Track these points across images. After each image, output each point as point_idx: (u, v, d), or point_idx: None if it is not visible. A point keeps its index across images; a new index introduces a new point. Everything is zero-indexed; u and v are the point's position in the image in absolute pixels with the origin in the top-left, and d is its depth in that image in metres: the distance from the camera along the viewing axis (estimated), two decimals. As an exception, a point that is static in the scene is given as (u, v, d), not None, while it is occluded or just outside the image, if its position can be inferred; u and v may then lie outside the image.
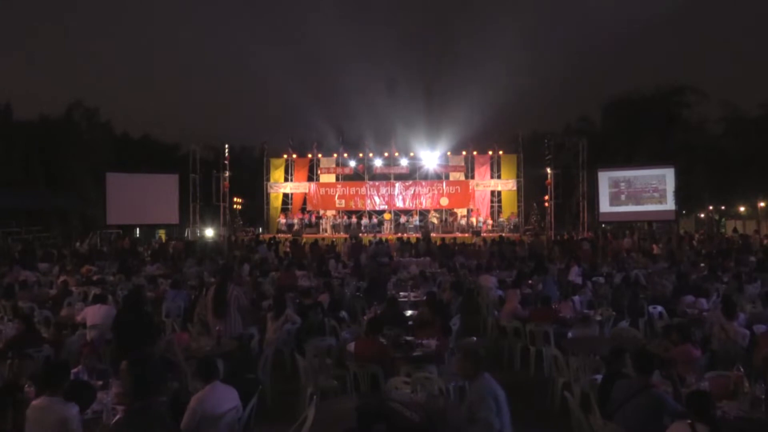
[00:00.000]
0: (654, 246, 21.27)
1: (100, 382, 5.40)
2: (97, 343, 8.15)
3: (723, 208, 34.21)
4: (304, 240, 24.76)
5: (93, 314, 8.72)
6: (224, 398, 4.97)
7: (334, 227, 28.18)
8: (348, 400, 5.86)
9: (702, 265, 15.06)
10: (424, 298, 9.49)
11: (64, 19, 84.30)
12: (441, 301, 9.98)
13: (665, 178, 26.10)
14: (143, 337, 6.65)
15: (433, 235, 25.39)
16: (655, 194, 26.24)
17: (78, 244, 25.99)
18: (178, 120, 76.54)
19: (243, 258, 18.28)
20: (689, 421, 4.09)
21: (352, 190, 29.76)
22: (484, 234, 25.95)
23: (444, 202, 29.13)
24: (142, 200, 26.30)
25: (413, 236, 25.13)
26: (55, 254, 20.55)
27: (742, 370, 5.42)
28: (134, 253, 21.51)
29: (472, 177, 29.33)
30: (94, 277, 14.19)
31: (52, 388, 4.63)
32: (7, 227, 29.29)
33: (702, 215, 35.77)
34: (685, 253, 18.81)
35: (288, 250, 22.48)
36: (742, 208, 32.59)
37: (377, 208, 29.56)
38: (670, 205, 26.00)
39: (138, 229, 30.63)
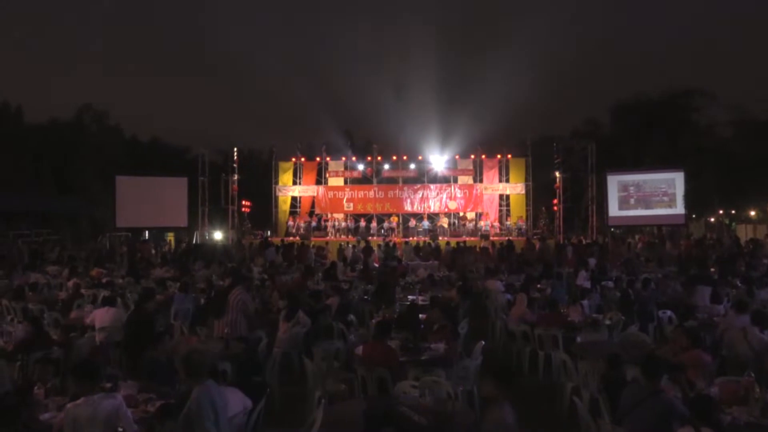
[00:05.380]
0: (667, 243, 21.09)
1: (109, 385, 5.42)
2: (105, 345, 8.20)
3: (733, 212, 34.05)
4: (313, 243, 24.79)
5: (101, 317, 8.76)
6: (234, 401, 4.97)
7: (342, 230, 28.18)
8: (356, 403, 5.85)
9: (712, 270, 14.97)
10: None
11: (73, 22, 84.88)
12: (448, 305, 9.96)
13: (674, 181, 25.93)
14: (150, 340, 6.69)
15: (441, 238, 25.36)
16: (665, 198, 26.07)
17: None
18: (187, 123, 76.87)
19: (252, 260, 18.38)
20: (694, 427, 4.07)
21: (361, 194, 29.72)
22: (493, 238, 25.89)
23: (452, 205, 29.06)
24: (151, 203, 26.40)
25: (421, 239, 25.14)
26: (66, 256, 20.67)
27: (753, 375, 5.38)
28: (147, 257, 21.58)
29: (481, 180, 29.25)
30: (104, 280, 14.26)
31: (88, 387, 4.69)
32: (17, 230, 29.48)
33: (712, 219, 35.59)
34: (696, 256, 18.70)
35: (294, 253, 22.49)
36: (752, 212, 32.40)
37: (386, 212, 29.52)
38: (679, 209, 25.82)
39: (147, 232, 30.73)
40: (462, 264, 18.23)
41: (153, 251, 24.09)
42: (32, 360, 6.91)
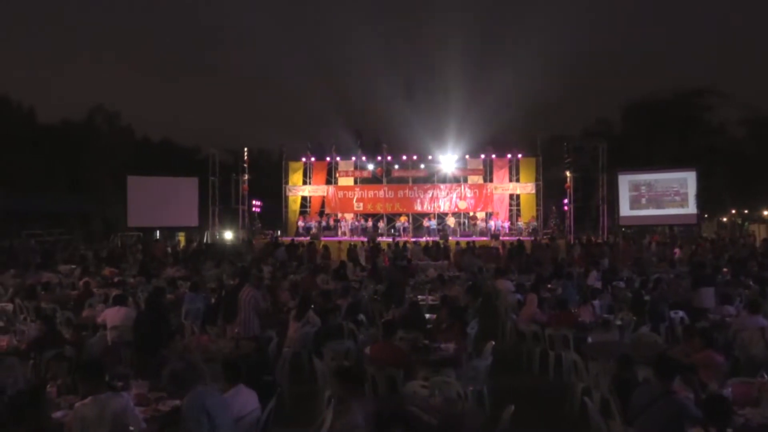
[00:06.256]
0: (677, 250, 21.02)
1: (121, 384, 5.44)
2: (116, 344, 8.24)
3: (746, 211, 33.78)
4: (322, 243, 24.82)
5: (112, 316, 8.79)
6: (248, 401, 5.00)
7: (352, 230, 28.20)
8: (366, 403, 5.84)
9: (725, 270, 14.85)
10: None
11: (85, 23, 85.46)
12: (456, 304, 9.92)
13: (686, 181, 25.77)
14: (161, 339, 6.71)
15: (451, 238, 25.31)
16: (677, 198, 25.92)
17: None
18: (197, 124, 77.29)
19: (262, 260, 18.44)
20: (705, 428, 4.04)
21: (371, 194, 29.74)
22: (503, 238, 25.81)
23: (462, 205, 29.00)
24: (162, 203, 26.58)
25: (431, 239, 25.09)
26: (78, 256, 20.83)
27: (766, 376, 5.33)
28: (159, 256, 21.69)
29: (491, 180, 29.19)
30: (115, 279, 14.34)
31: (95, 386, 4.71)
32: (30, 229, 29.74)
33: (724, 219, 35.33)
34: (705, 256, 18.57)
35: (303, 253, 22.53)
36: (765, 212, 32.14)
37: (395, 212, 29.52)
38: (691, 208, 25.67)
39: (158, 232, 30.91)
40: (469, 264, 18.19)
41: (169, 250, 24.24)
42: (45, 358, 6.96)
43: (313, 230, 27.80)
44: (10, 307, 11.08)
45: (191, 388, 4.61)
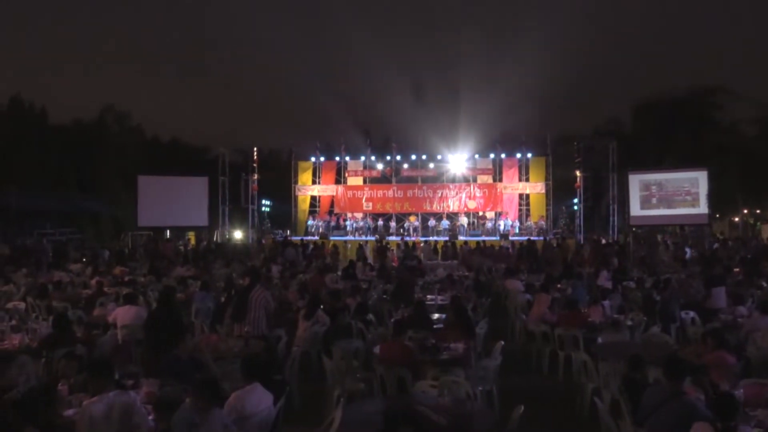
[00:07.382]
0: (688, 250, 20.91)
1: (131, 382, 5.48)
2: (127, 343, 8.28)
3: (758, 211, 33.55)
4: (332, 243, 24.85)
5: (123, 315, 8.84)
6: (262, 399, 5.01)
7: (362, 230, 28.20)
8: (375, 402, 5.85)
9: (737, 270, 14.75)
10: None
11: (95, 23, 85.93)
12: (460, 305, 9.89)
13: (698, 180, 25.55)
14: (173, 338, 6.73)
15: (460, 238, 25.28)
16: (688, 197, 25.70)
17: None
18: (207, 123, 77.51)
19: (271, 259, 18.48)
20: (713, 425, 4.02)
21: (380, 193, 29.74)
22: (513, 237, 25.74)
23: (472, 204, 28.96)
24: (172, 202, 26.63)
25: (440, 239, 25.06)
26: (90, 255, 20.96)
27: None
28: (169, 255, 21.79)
29: (500, 180, 29.12)
30: (126, 278, 14.42)
31: (103, 384, 4.75)
32: (42, 228, 29.98)
33: (736, 219, 35.09)
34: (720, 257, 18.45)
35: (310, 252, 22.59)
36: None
37: (405, 211, 29.51)
38: (702, 208, 25.44)
39: (168, 231, 31.03)
40: (479, 263, 18.17)
41: (182, 248, 24.34)
42: (57, 357, 7.01)
43: (322, 230, 27.83)
44: (22, 305, 11.17)
45: (212, 408, 4.62)
